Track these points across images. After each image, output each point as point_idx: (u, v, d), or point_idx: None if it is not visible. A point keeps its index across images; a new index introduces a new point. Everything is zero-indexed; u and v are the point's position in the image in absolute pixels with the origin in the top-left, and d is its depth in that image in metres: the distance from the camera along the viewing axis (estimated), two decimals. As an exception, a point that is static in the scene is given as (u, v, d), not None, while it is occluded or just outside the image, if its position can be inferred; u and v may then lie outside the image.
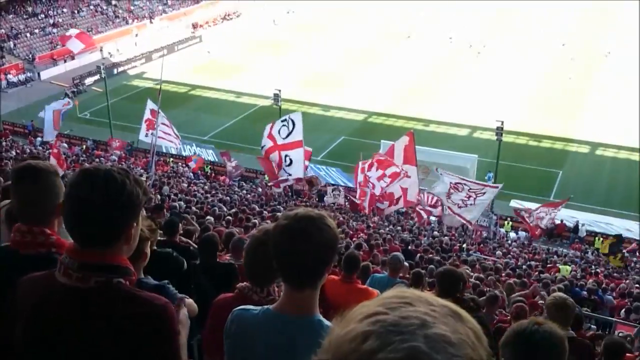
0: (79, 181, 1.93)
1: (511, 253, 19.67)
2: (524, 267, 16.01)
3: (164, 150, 29.70)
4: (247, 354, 2.26)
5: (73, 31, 41.11)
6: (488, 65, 46.50)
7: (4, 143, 25.95)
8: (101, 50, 46.70)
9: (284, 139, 19.09)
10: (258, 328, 2.21)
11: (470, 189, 18.29)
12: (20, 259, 1.99)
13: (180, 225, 7.22)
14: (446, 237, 19.95)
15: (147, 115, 23.17)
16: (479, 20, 57.82)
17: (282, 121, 19.42)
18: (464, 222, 19.82)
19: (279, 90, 30.86)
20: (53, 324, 1.93)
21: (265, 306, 2.26)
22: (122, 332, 1.90)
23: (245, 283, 3.07)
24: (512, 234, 24.43)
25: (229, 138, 34.36)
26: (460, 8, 60.13)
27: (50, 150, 23.44)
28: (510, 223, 25.17)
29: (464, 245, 19.77)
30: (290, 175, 19.90)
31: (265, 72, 44.47)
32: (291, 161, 19.21)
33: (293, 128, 18.93)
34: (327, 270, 2.16)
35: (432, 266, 11.31)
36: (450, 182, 18.38)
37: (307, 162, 21.68)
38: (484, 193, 18.47)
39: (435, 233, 21.04)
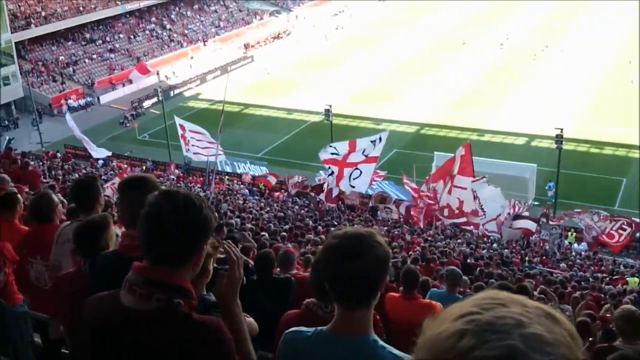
0: (160, 202, 2.02)
1: (576, 265, 18.98)
2: (590, 279, 15.42)
3: (219, 168, 30.23)
4: None
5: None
6: (544, 70, 45.48)
7: (66, 166, 26.89)
8: (158, 73, 48.11)
9: (364, 155, 18.74)
10: (312, 350, 2.15)
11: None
12: (129, 263, 2.09)
13: (239, 243, 7.33)
14: (506, 250, 19.44)
15: (179, 131, 23.60)
16: (534, 23, 56.75)
17: (372, 141, 18.99)
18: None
19: (330, 106, 31.02)
20: (113, 346, 2.00)
21: (319, 327, 2.21)
22: (179, 354, 1.95)
23: (311, 299, 3.12)
24: (576, 245, 23.60)
25: (281, 155, 34.72)
26: (513, 9, 59.12)
27: (118, 172, 24.36)
28: (574, 234, 24.32)
29: (526, 258, 19.22)
30: (353, 188, 19.73)
31: (316, 88, 44.84)
32: (360, 174, 18.89)
33: (378, 145, 18.68)
34: (381, 288, 2.11)
35: (492, 280, 11.02)
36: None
37: (375, 179, 21.50)
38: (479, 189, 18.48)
39: (495, 245, 20.53)
